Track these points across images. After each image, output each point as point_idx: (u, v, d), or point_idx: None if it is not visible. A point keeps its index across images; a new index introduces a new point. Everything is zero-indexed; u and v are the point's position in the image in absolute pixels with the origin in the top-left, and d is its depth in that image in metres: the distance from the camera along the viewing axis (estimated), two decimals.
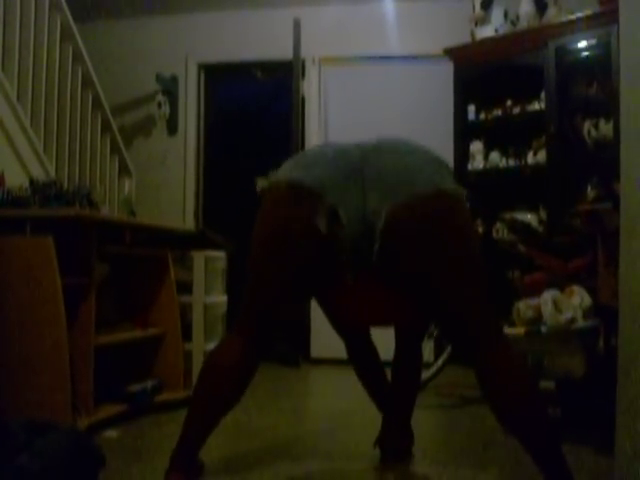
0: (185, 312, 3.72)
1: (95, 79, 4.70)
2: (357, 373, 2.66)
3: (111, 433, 2.90)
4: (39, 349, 2.72)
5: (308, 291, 2.10)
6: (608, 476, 2.04)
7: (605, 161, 3.98)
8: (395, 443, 2.53)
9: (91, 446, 2.17)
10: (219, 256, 4.06)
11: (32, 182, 3.11)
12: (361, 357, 2.63)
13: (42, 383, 2.72)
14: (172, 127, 5.85)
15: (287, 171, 1.97)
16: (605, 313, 2.75)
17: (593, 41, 4.29)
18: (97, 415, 2.94)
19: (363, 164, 1.88)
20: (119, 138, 5.14)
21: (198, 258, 3.83)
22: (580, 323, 2.77)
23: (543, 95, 4.46)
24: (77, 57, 4.51)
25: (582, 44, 4.38)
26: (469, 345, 1.97)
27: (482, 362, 1.95)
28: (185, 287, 3.76)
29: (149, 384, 3.36)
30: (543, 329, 2.79)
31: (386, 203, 1.82)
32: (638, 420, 1.70)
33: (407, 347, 2.51)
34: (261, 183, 1.80)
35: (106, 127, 4.94)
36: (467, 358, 2.03)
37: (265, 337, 2.07)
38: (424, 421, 3.18)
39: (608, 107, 4.05)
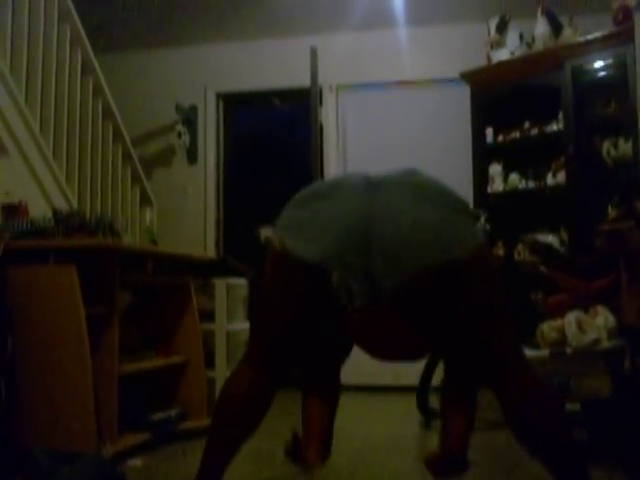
0: (207, 339, 3.73)
1: (115, 110, 4.77)
2: None
3: (136, 462, 2.90)
4: (63, 378, 2.74)
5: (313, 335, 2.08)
6: None
7: (625, 180, 3.96)
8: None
9: (117, 475, 2.18)
10: (241, 283, 4.07)
11: (55, 212, 3.15)
12: None
13: (67, 412, 2.73)
14: (192, 156, 5.91)
15: (292, 239, 1.87)
16: (630, 333, 2.73)
17: (609, 60, 4.28)
18: (122, 444, 2.95)
19: (371, 231, 1.78)
20: (140, 168, 5.20)
21: (220, 285, 3.85)
22: (605, 343, 2.75)
23: (561, 116, 4.45)
24: (97, 89, 4.58)
25: (598, 64, 4.38)
26: (492, 373, 1.95)
27: (506, 388, 1.93)
28: (207, 315, 3.77)
29: (173, 412, 3.36)
30: (568, 350, 2.77)
31: (393, 275, 1.76)
32: None
33: (459, 379, 2.30)
34: (264, 232, 1.80)
35: (127, 157, 5.01)
36: (488, 384, 2.01)
37: (277, 365, 2.05)
38: None
39: (627, 126, 4.03)
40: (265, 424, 2.07)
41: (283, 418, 3.73)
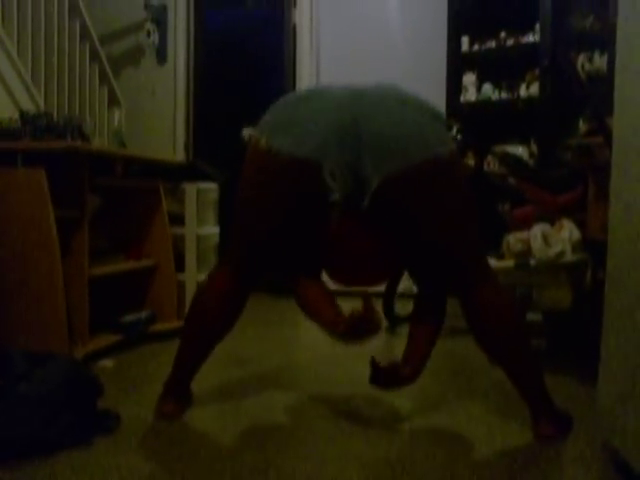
0: (177, 243, 3.74)
1: (82, 7, 4.60)
2: None
3: (106, 362, 2.95)
4: (34, 281, 2.75)
5: (296, 239, 2.09)
6: (591, 406, 2.10)
7: (598, 95, 3.96)
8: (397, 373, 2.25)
9: (89, 375, 2.21)
10: (211, 187, 4.06)
11: (22, 114, 3.08)
12: None
13: (39, 315, 2.75)
14: (161, 56, 5.75)
15: (280, 138, 1.87)
16: (593, 247, 2.79)
17: None
18: (93, 345, 2.99)
19: (358, 127, 1.82)
20: (108, 68, 5.06)
21: (190, 190, 3.83)
22: (568, 257, 2.81)
23: (538, 27, 4.40)
24: None
25: None
26: (457, 281, 2.01)
27: (469, 296, 2.00)
28: (177, 219, 3.77)
29: (143, 315, 3.41)
30: (532, 262, 2.83)
31: (380, 170, 1.81)
32: (621, 359, 1.74)
33: (429, 299, 2.28)
34: (247, 132, 1.74)
35: (94, 56, 4.86)
36: (452, 292, 2.07)
37: (253, 270, 2.11)
38: None
39: (603, 40, 4.01)
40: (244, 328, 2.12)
41: (254, 321, 3.80)
